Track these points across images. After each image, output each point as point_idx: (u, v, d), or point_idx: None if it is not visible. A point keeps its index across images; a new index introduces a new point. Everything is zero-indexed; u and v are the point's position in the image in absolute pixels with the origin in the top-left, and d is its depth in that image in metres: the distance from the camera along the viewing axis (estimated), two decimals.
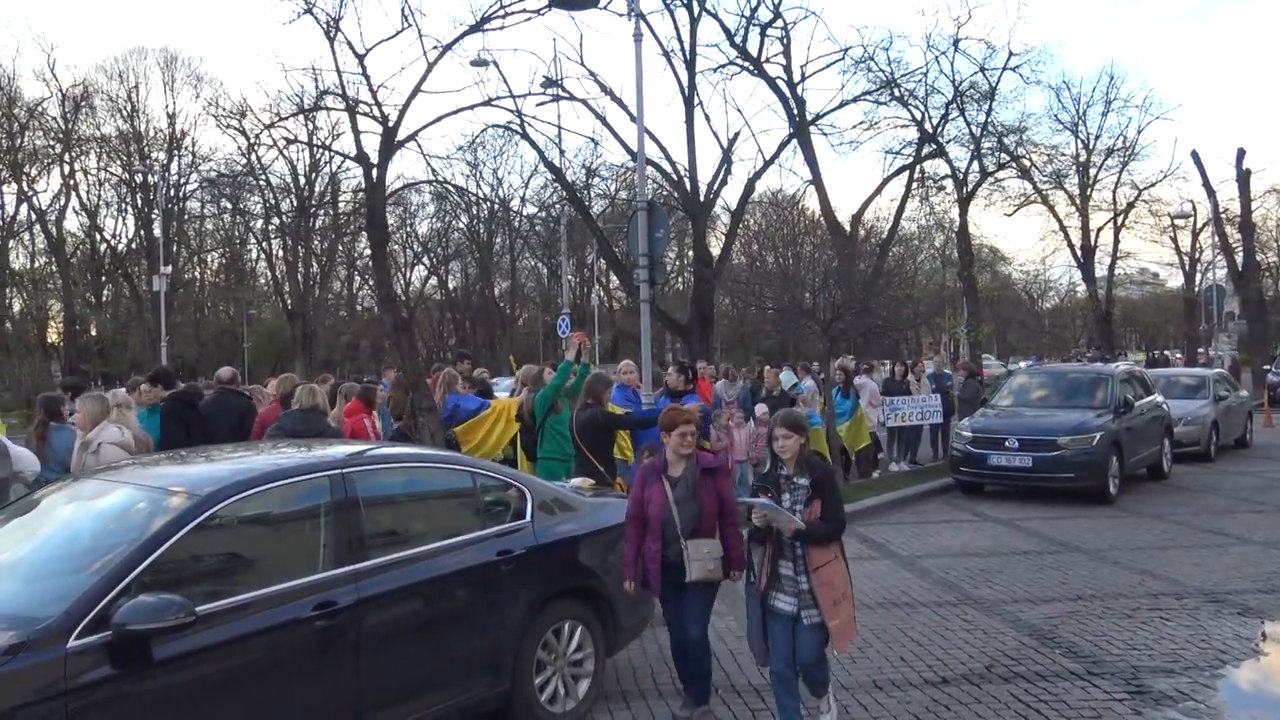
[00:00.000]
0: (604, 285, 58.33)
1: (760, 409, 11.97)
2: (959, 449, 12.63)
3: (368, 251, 56.97)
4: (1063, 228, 37.26)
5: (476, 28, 9.24)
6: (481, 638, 4.76)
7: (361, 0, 12.40)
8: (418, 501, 5.03)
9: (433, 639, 4.56)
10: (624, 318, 53.28)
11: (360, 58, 8.71)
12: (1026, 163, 32.87)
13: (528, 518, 5.21)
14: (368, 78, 8.76)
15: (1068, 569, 8.66)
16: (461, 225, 56.63)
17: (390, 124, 8.69)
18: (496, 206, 48.88)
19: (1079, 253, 37.39)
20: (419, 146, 10.90)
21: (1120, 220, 38.27)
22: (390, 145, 8.79)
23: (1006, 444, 12.09)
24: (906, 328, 28.96)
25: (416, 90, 8.73)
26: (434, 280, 59.25)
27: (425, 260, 58.39)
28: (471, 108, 12.98)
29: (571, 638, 5.25)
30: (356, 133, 9.16)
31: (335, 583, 4.21)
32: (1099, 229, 37.88)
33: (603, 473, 6.69)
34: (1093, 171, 37.25)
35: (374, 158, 9.07)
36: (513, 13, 9.25)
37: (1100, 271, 38.13)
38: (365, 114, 8.94)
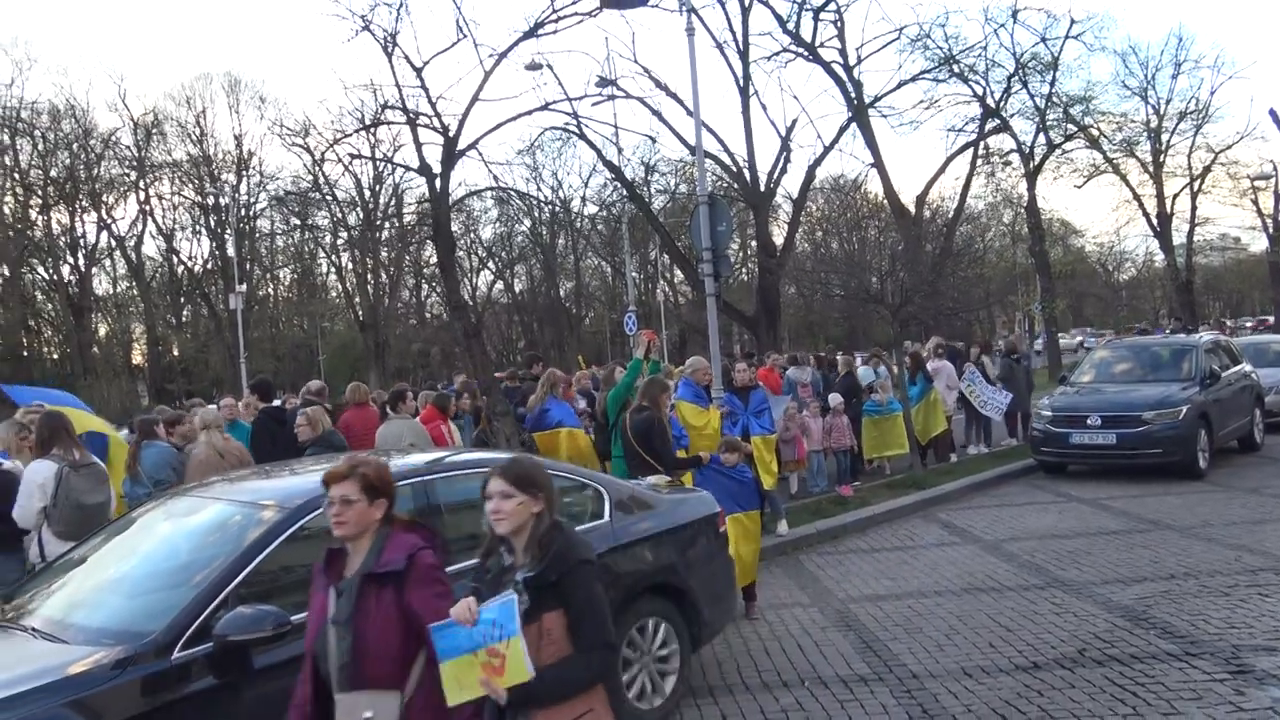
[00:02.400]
0: (668, 280, 58.32)
1: (835, 398, 11.90)
2: (1039, 429, 12.36)
3: (434, 260, 57.99)
4: (1136, 196, 36.16)
5: (530, 34, 9.32)
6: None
7: (417, 14, 12.63)
8: None
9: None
10: (690, 312, 53.15)
11: (418, 71, 8.86)
12: (1095, 132, 32.04)
13: (606, 517, 5.24)
14: (426, 90, 8.93)
15: (1159, 547, 8.43)
16: (524, 228, 57.11)
17: (451, 134, 8.84)
18: (558, 208, 49.19)
19: (1155, 221, 36.32)
20: (480, 154, 11.08)
21: (1197, 185, 37.02)
22: (452, 155, 8.91)
23: (1089, 421, 11.80)
24: (978, 308, 28.45)
25: (475, 99, 8.85)
26: (500, 284, 59.85)
27: (490, 265, 59.02)
28: (530, 113, 13.10)
29: (656, 634, 5.27)
30: (418, 144, 9.33)
31: None
32: (1175, 195, 36.71)
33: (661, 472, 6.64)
34: (1165, 137, 36.08)
35: (436, 168, 9.22)
36: (565, 16, 9.32)
37: (1178, 239, 36.98)
38: (426, 125, 9.10)
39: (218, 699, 3.62)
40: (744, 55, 19.28)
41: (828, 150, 20.81)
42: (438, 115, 8.83)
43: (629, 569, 5.19)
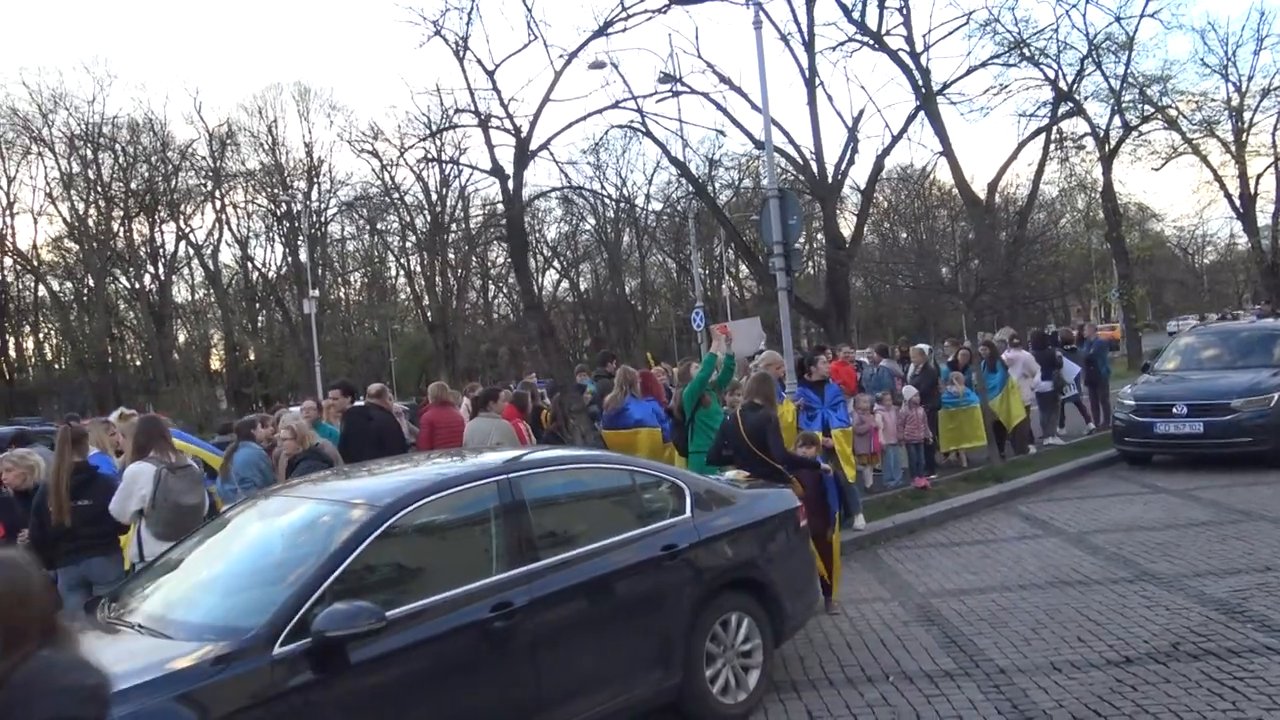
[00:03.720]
0: (734, 275, 58.19)
1: (909, 390, 11.76)
2: (1122, 418, 12.06)
3: (500, 260, 58.64)
4: (1217, 177, 35.02)
5: (601, 32, 9.37)
6: (651, 633, 4.84)
7: (485, 18, 12.77)
8: (580, 501, 5.14)
9: (605, 635, 4.66)
10: (755, 307, 52.93)
11: (490, 73, 8.96)
12: (1173, 113, 31.10)
13: (687, 512, 5.25)
14: (498, 92, 9.02)
15: (1252, 539, 8.17)
16: (589, 227, 57.44)
17: (523, 135, 8.92)
18: (623, 205, 49.32)
19: (1238, 202, 35.16)
20: (551, 154, 11.13)
21: None
22: (524, 156, 9.01)
23: (1174, 410, 11.47)
24: (1054, 297, 27.85)
25: (546, 99, 8.93)
26: (565, 284, 60.27)
27: (556, 264, 59.47)
28: (600, 111, 13.11)
29: (739, 629, 5.27)
30: (490, 146, 9.45)
31: (510, 584, 4.35)
32: (1259, 176, 35.50)
33: (782, 473, 6.57)
34: (1247, 115, 34.89)
35: (508, 169, 9.31)
36: (635, 14, 9.33)
37: (1263, 220, 35.75)
38: (498, 127, 9.20)
39: (316, 693, 3.71)
40: (809, 47, 19.10)
41: (896, 139, 20.51)
42: (510, 117, 8.96)
43: (710, 564, 5.20)
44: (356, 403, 8.95)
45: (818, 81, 19.35)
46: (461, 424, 9.47)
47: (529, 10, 9.08)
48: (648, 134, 18.82)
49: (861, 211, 21.75)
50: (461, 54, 9.09)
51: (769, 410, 6.89)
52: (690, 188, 23.18)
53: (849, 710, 5.27)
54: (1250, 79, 34.64)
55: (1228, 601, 6.51)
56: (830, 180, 20.37)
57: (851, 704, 5.33)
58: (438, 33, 9.26)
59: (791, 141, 20.50)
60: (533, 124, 8.86)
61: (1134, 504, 10.04)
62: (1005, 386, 12.67)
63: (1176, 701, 4.98)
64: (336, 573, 3.94)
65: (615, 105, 11.61)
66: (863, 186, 21.58)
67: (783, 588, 5.46)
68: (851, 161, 21.06)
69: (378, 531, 4.14)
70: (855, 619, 6.89)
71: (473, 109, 9.35)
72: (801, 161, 20.82)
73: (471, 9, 8.96)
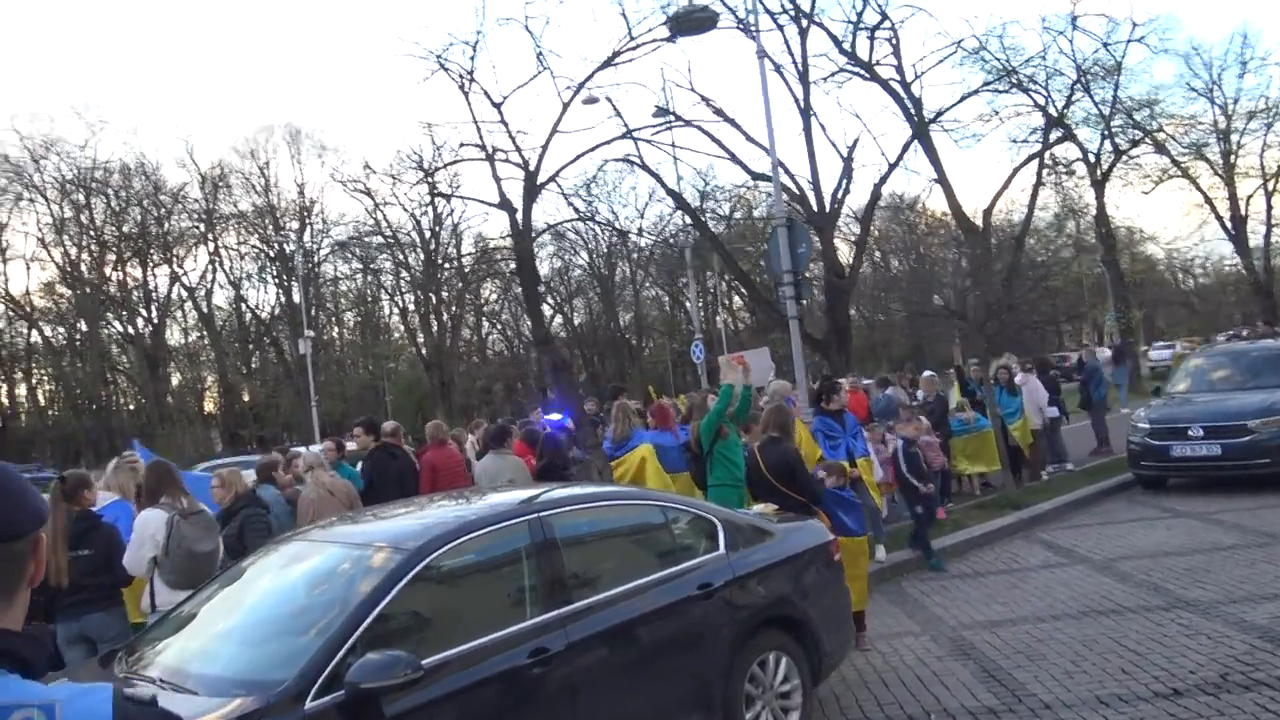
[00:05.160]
0: (727, 308, 58.14)
1: (904, 410, 11.61)
2: (1137, 442, 11.92)
3: (494, 297, 58.55)
4: (1208, 200, 35.24)
5: (608, 63, 9.34)
6: (689, 674, 4.66)
7: (488, 50, 12.76)
8: (612, 539, 4.98)
9: (643, 679, 4.48)
10: (751, 337, 52.94)
11: (497, 106, 8.90)
12: (1161, 136, 31.31)
13: (721, 548, 5.09)
14: (506, 125, 8.94)
15: None
16: (582, 262, 57.43)
17: (531, 168, 8.84)
18: (630, 236, 49.25)
19: (1229, 224, 35.33)
20: (559, 187, 11.09)
21: (1272, 185, 35.97)
22: (534, 189, 8.92)
23: (1190, 433, 11.34)
24: (1064, 320, 27.82)
25: (554, 131, 8.89)
26: (559, 318, 60.14)
27: (549, 299, 59.33)
28: (609, 142, 13.01)
29: (777, 669, 5.09)
30: (497, 180, 9.35)
31: (546, 628, 4.17)
32: (1248, 197, 35.71)
33: (807, 506, 6.39)
34: (1235, 137, 35.15)
35: (514, 203, 9.21)
36: (643, 44, 9.29)
37: (1255, 241, 35.91)
38: (505, 160, 9.11)
39: None
40: (804, 77, 19.15)
41: (893, 168, 20.58)
42: (518, 150, 8.88)
43: (746, 602, 5.03)
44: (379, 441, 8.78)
45: (812, 111, 19.38)
46: (462, 464, 9.29)
47: (537, 43, 9.05)
48: (644, 166, 18.83)
49: (860, 240, 21.75)
50: (467, 88, 9.06)
51: (788, 443, 6.73)
52: (685, 219, 23.14)
53: None
54: (1236, 101, 34.96)
55: (1270, 629, 6.34)
56: (827, 208, 20.36)
57: None
58: (442, 67, 9.22)
59: (787, 171, 20.50)
60: (541, 157, 8.82)
61: (1156, 529, 9.88)
62: (1024, 413, 12.57)
63: None
64: (368, 620, 3.76)
65: (625, 135, 11.56)
66: (859, 215, 21.58)
67: (820, 624, 5.29)
68: (847, 190, 21.11)
69: (409, 576, 3.96)
70: (888, 654, 6.70)
71: (479, 143, 9.30)
72: (798, 191, 20.82)
73: (476, 43, 8.96)
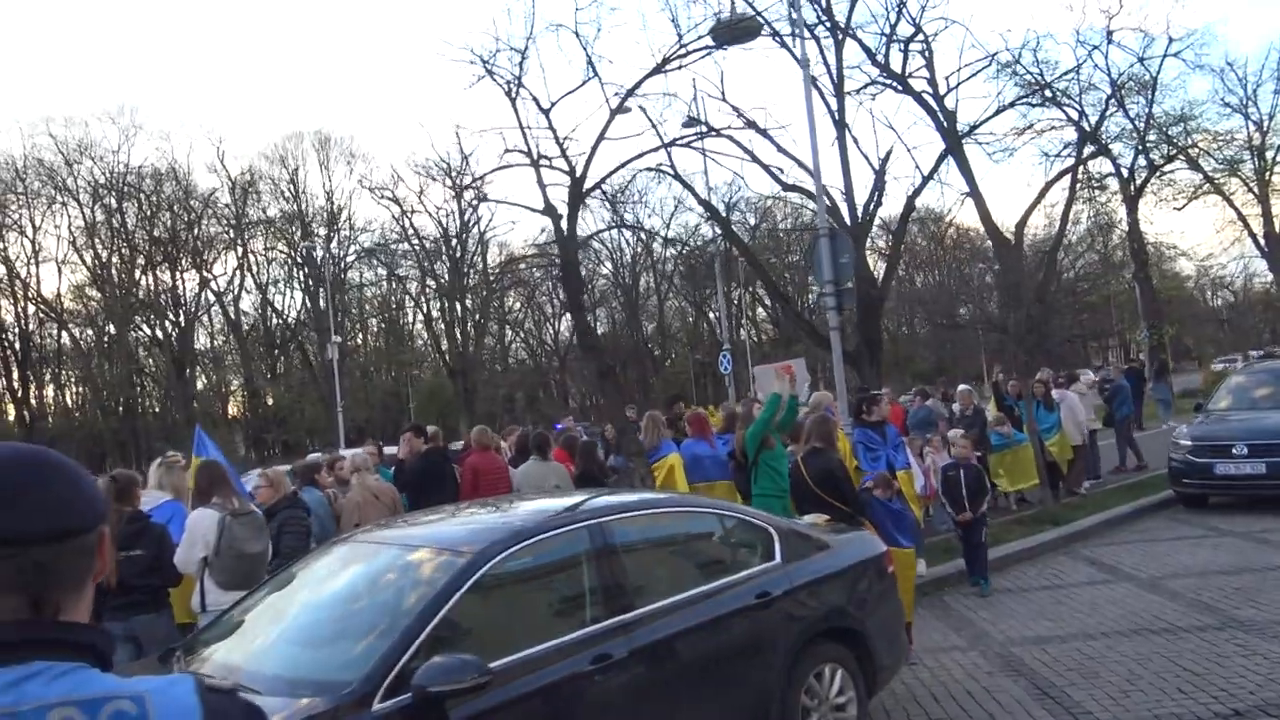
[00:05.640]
0: (751, 319, 58.04)
1: (954, 433, 11.50)
2: (1178, 460, 11.75)
3: (517, 306, 58.72)
4: (1241, 217, 34.86)
5: (659, 69, 9.31)
6: (749, 684, 4.60)
7: (538, 56, 12.81)
8: (670, 546, 4.94)
9: (704, 687, 4.43)
10: (773, 349, 52.89)
11: (545, 112, 8.89)
12: (1194, 152, 31.02)
13: (777, 557, 5.03)
14: (554, 131, 8.93)
15: None
16: (606, 271, 57.47)
17: (578, 175, 8.83)
18: (639, 251, 49.29)
19: (1262, 242, 34.95)
20: (604, 193, 11.02)
21: None
22: (579, 195, 8.91)
23: (1234, 451, 11.17)
24: (1091, 337, 27.62)
25: (601, 137, 8.87)
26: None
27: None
28: (654, 150, 12.90)
29: (833, 681, 5.02)
30: (542, 186, 9.34)
31: (608, 634, 4.13)
32: None
33: (852, 517, 6.32)
34: (1270, 154, 34.76)
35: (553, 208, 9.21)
36: (694, 50, 9.28)
37: None
38: (551, 166, 9.10)
39: None
40: (839, 89, 19.07)
41: (927, 180, 20.42)
42: (565, 156, 8.87)
43: (803, 613, 4.97)
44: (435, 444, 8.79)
45: (846, 125, 19.30)
46: (505, 470, 9.26)
47: (588, 49, 9.04)
48: (677, 177, 18.78)
49: (893, 251, 21.61)
50: (514, 93, 9.07)
51: (832, 452, 6.67)
52: (714, 229, 23.07)
53: None
54: (1271, 117, 34.55)
55: None
56: (860, 219, 20.25)
57: None
58: (489, 73, 9.23)
59: (819, 182, 20.40)
60: (588, 163, 8.82)
61: (1202, 548, 9.73)
62: (1062, 427, 12.44)
63: None
64: (433, 624, 3.73)
65: (674, 143, 11.55)
66: (891, 226, 21.45)
67: (876, 636, 5.23)
68: (879, 202, 20.96)
69: (472, 580, 3.92)
70: (935, 669, 6.61)
71: (524, 149, 9.28)
72: (829, 202, 20.70)
73: (526, 49, 8.98)
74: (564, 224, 8.83)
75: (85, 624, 1.29)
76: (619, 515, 4.62)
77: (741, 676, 4.59)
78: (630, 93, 9.24)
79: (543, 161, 9.02)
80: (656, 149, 11.51)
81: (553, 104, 8.85)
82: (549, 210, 9.16)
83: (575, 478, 8.66)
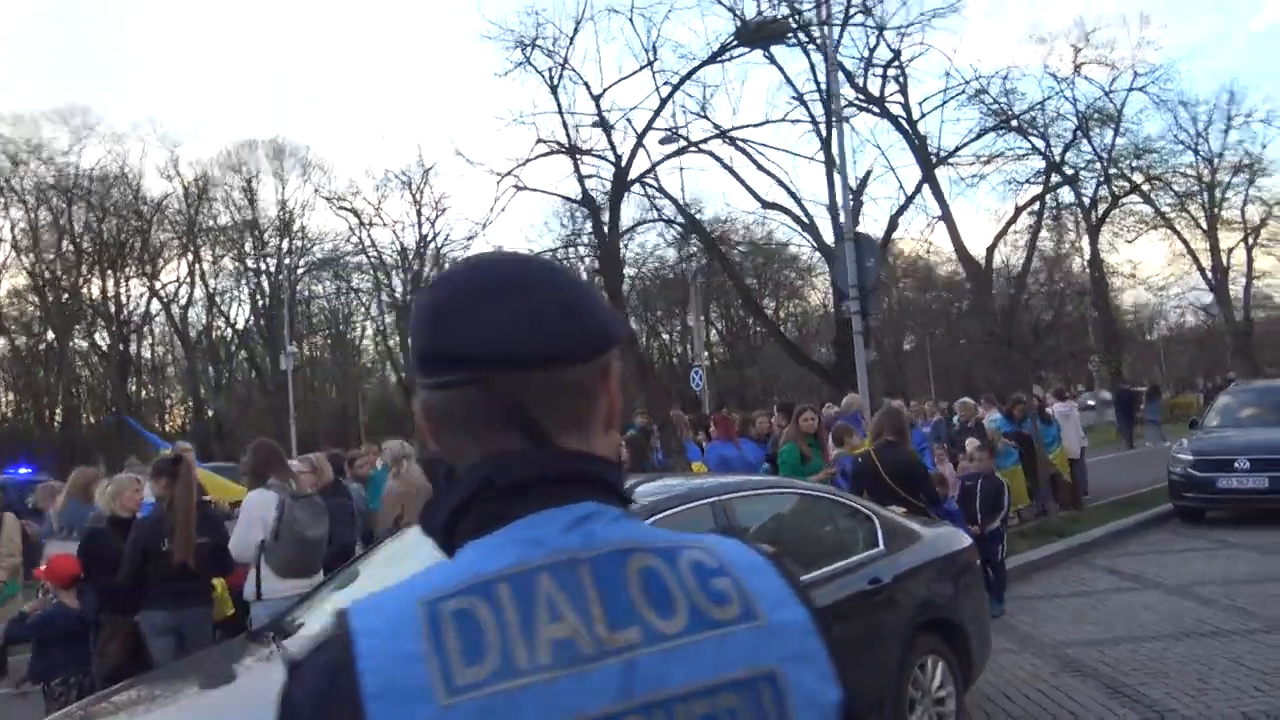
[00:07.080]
0: (706, 343, 58.10)
1: (972, 443, 11.50)
2: (1178, 473, 11.88)
3: None
4: (1190, 250, 35.88)
5: (714, 59, 9.21)
6: (867, 671, 4.44)
7: (588, 41, 12.56)
8: (788, 527, 4.77)
9: None
10: (724, 373, 53.28)
11: (596, 99, 8.72)
12: (1147, 187, 31.85)
13: (880, 545, 4.89)
14: (604, 119, 8.74)
15: None
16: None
17: (622, 165, 8.67)
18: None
19: (1210, 275, 36.03)
20: (648, 184, 10.73)
21: (1252, 239, 36.75)
22: (622, 185, 8.74)
23: (1236, 465, 11.32)
24: (1098, 355, 28.08)
25: (648, 127, 8.72)
26: None
27: None
28: (704, 141, 12.49)
29: (934, 673, 4.88)
30: (580, 177, 9.13)
31: None
32: (1230, 249, 36.44)
33: (925, 511, 6.20)
34: (1219, 190, 35.85)
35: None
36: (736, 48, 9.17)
37: (1235, 292, 36.59)
38: (598, 155, 8.92)
39: None
40: (827, 106, 19.19)
41: (909, 200, 20.64)
42: (612, 147, 8.69)
43: (910, 602, 4.83)
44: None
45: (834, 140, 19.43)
46: None
47: (643, 37, 8.85)
48: (662, 191, 18.66)
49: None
50: (556, 81, 8.89)
51: (906, 446, 6.56)
52: (703, 247, 22.96)
53: None
54: (1220, 155, 35.54)
55: None
56: (840, 239, 20.37)
57: None
58: (526, 59, 9.05)
59: (796, 199, 20.47)
60: (633, 153, 8.65)
61: (1216, 558, 9.80)
62: (1060, 439, 12.53)
63: None
64: None
65: (719, 135, 11.40)
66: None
67: (972, 629, 5.10)
68: (857, 220, 21.09)
69: None
70: (996, 669, 6.46)
71: (566, 142, 9.06)
72: (807, 220, 20.78)
73: (576, 30, 8.77)
74: (606, 215, 8.69)
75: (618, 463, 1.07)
76: (740, 494, 4.44)
77: (862, 662, 4.42)
78: (685, 80, 9.15)
79: (592, 149, 8.82)
80: (711, 138, 11.28)
81: (604, 90, 8.71)
82: (586, 201, 8.99)
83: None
